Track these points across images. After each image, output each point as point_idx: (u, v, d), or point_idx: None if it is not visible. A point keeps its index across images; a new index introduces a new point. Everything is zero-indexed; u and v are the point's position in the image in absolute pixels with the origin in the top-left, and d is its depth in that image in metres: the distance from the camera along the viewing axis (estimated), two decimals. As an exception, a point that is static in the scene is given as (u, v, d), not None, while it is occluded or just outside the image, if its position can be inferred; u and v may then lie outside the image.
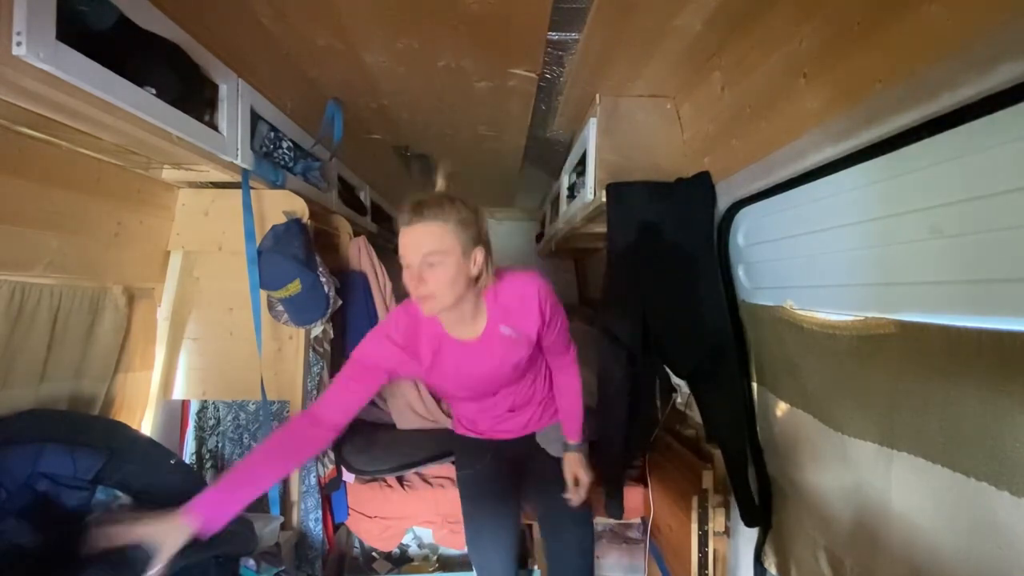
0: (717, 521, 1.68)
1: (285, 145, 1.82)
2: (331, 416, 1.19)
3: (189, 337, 1.86)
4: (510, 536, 1.58)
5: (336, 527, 2.14)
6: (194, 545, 1.03)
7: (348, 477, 2.13)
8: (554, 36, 1.39)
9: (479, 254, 1.13)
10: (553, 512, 1.52)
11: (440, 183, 1.19)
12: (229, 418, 1.90)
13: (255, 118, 1.63)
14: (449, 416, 2.08)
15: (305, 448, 1.20)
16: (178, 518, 1.00)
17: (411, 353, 1.23)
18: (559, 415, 1.51)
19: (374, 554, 2.43)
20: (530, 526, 2.16)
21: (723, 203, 1.49)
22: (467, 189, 3.22)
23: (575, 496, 1.44)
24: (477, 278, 1.14)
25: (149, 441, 1.61)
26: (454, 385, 1.36)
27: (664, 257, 1.60)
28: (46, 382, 1.42)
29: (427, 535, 2.49)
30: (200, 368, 1.86)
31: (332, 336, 2.04)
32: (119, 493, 1.38)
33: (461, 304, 1.15)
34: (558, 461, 1.49)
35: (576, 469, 1.46)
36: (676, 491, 1.86)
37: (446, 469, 2.15)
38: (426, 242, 1.07)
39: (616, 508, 1.87)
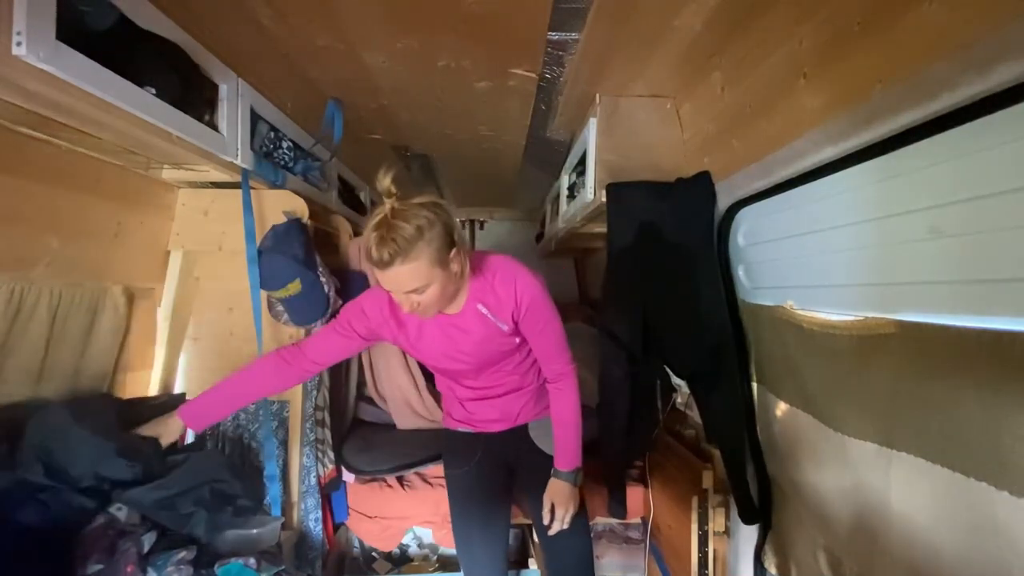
0: (717, 521, 1.68)
1: (285, 145, 1.82)
2: (313, 356, 1.39)
3: (189, 337, 1.86)
4: (500, 538, 1.55)
5: (336, 527, 2.14)
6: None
7: (348, 477, 2.13)
8: (554, 36, 1.39)
9: (455, 257, 1.16)
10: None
11: (386, 183, 1.10)
12: (229, 418, 1.89)
13: (255, 118, 1.63)
14: (449, 416, 2.08)
15: (286, 377, 1.41)
16: (173, 416, 1.34)
17: (398, 320, 1.32)
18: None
19: (374, 554, 2.43)
20: (530, 525, 2.17)
21: (723, 203, 1.49)
22: (467, 189, 3.23)
23: (552, 523, 1.39)
24: (460, 272, 1.21)
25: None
26: (437, 357, 1.39)
27: (664, 257, 1.60)
28: (45, 382, 1.42)
29: (427, 535, 2.49)
30: (200, 368, 1.86)
31: (332, 336, 2.03)
32: (122, 505, 1.37)
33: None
34: (551, 459, 1.44)
35: (554, 496, 1.39)
36: (676, 491, 1.86)
37: (446, 469, 2.15)
38: (406, 282, 1.11)
39: (619, 508, 1.86)
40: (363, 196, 2.86)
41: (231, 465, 1.62)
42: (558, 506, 1.39)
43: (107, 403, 1.46)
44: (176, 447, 1.53)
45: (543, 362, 1.40)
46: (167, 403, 1.68)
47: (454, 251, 1.15)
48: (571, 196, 2.23)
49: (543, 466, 1.45)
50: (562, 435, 1.41)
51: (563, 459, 1.41)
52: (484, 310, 1.29)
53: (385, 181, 1.09)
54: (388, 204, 1.09)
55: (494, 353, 1.37)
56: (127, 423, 1.41)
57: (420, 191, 1.16)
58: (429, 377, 2.25)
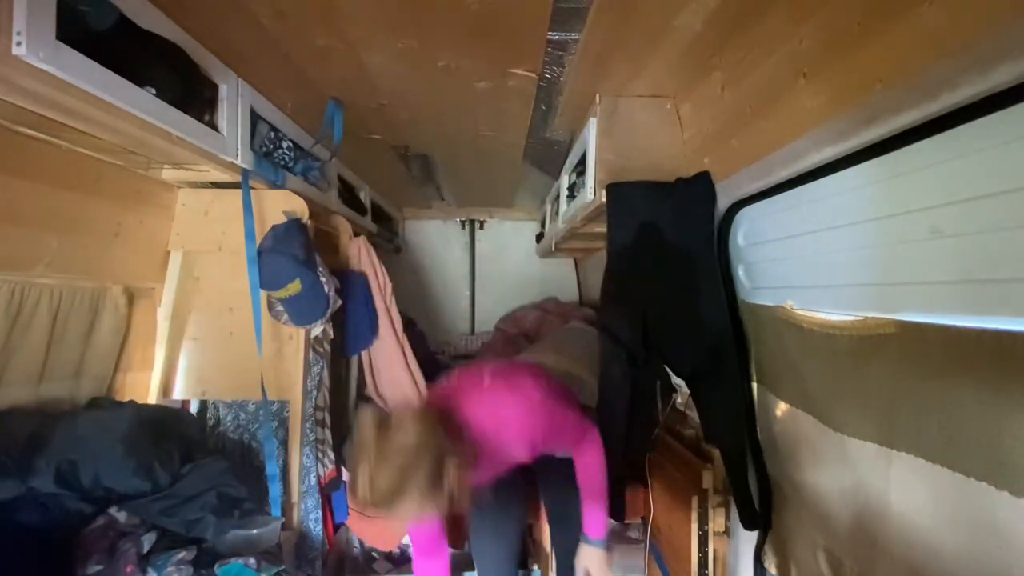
0: (717, 521, 1.67)
1: (285, 145, 1.82)
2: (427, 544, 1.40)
3: (189, 337, 1.86)
4: (513, 533, 1.59)
5: (336, 527, 2.14)
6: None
7: (348, 477, 2.13)
8: (554, 36, 1.38)
9: (449, 474, 1.07)
10: (560, 504, 1.55)
11: (369, 434, 1.06)
12: (229, 418, 1.89)
13: (255, 118, 1.63)
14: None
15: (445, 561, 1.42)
16: None
17: None
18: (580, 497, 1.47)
19: (374, 554, 2.43)
20: (531, 526, 2.17)
21: (723, 203, 1.48)
22: (467, 189, 3.24)
23: None
24: (463, 471, 1.12)
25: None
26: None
27: (664, 257, 1.60)
28: (45, 382, 1.42)
29: (427, 535, 2.48)
30: (200, 368, 1.86)
31: (332, 336, 2.03)
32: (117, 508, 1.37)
33: None
34: (562, 459, 1.48)
35: (588, 562, 1.43)
36: (676, 491, 1.86)
37: (446, 469, 2.15)
38: (402, 522, 1.12)
39: (617, 510, 1.86)
40: (363, 196, 2.86)
41: (235, 469, 1.64)
42: (593, 571, 1.44)
43: (133, 413, 1.49)
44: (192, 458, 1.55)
45: (568, 443, 1.44)
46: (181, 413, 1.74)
47: (447, 472, 1.07)
48: (571, 196, 2.23)
49: (554, 460, 1.51)
50: (589, 504, 1.44)
51: (592, 528, 1.45)
52: (504, 466, 1.37)
53: (369, 431, 1.05)
54: (366, 461, 1.04)
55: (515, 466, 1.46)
56: (151, 433, 1.45)
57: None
58: (429, 377, 2.25)
